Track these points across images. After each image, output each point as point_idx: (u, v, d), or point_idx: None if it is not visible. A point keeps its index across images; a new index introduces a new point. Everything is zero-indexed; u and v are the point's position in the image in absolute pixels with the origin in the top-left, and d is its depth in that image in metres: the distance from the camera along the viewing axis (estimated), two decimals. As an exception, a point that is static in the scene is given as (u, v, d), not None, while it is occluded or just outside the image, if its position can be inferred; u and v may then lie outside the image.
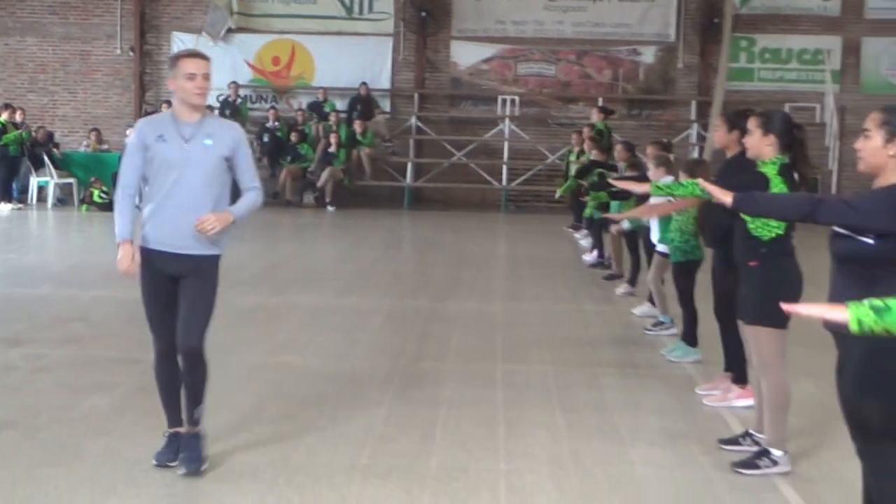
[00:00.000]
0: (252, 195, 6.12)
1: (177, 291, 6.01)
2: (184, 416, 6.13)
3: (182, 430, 6.12)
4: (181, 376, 6.09)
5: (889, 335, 3.03)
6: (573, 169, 17.98)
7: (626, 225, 12.41)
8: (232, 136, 6.07)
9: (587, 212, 15.67)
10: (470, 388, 8.33)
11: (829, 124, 24.44)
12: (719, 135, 7.88)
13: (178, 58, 5.99)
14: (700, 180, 6.01)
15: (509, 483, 6.11)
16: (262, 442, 6.75)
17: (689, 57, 25.62)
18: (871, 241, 4.59)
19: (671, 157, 10.72)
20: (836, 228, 4.77)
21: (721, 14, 24.63)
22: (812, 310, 3.15)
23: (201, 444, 6.11)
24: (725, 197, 5.24)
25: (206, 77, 5.92)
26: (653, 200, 9.90)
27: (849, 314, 3.05)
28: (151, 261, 5.99)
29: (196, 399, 6.08)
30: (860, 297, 4.30)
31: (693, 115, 25.58)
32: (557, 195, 17.44)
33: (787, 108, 20.98)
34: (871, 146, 4.72)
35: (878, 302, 3.02)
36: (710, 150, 20.96)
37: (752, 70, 25.58)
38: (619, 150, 13.72)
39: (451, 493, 5.91)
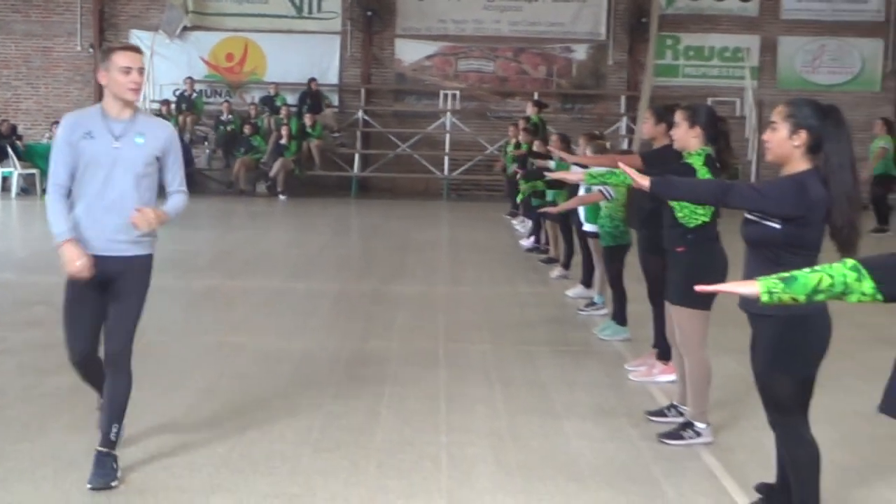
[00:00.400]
0: (182, 197, 5.63)
1: (104, 297, 5.45)
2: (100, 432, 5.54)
3: (97, 447, 5.48)
4: (104, 388, 5.52)
5: (796, 303, 3.08)
6: (510, 160, 18.04)
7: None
8: (165, 136, 5.53)
9: (520, 196, 15.67)
10: (413, 366, 8.33)
11: (748, 117, 24.66)
12: (647, 127, 7.90)
13: (111, 50, 5.39)
14: (621, 163, 6.02)
15: (450, 455, 6.11)
16: (217, 418, 6.71)
17: (619, 54, 25.76)
18: (777, 225, 4.67)
19: (607, 144, 10.75)
20: (747, 215, 4.84)
21: (648, 14, 24.78)
22: (726, 287, 3.19)
23: (115, 463, 5.48)
24: (643, 181, 5.26)
25: (141, 72, 5.37)
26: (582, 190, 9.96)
27: (759, 286, 3.09)
28: None
29: (115, 415, 5.47)
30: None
31: (622, 109, 25.74)
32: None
33: (709, 102, 21.08)
34: (778, 138, 4.79)
35: (785, 274, 3.07)
36: (639, 141, 21.09)
37: (677, 66, 25.75)
38: (554, 142, 13.74)
39: (396, 464, 5.91)
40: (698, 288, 3.30)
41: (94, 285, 5.39)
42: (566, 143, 13.33)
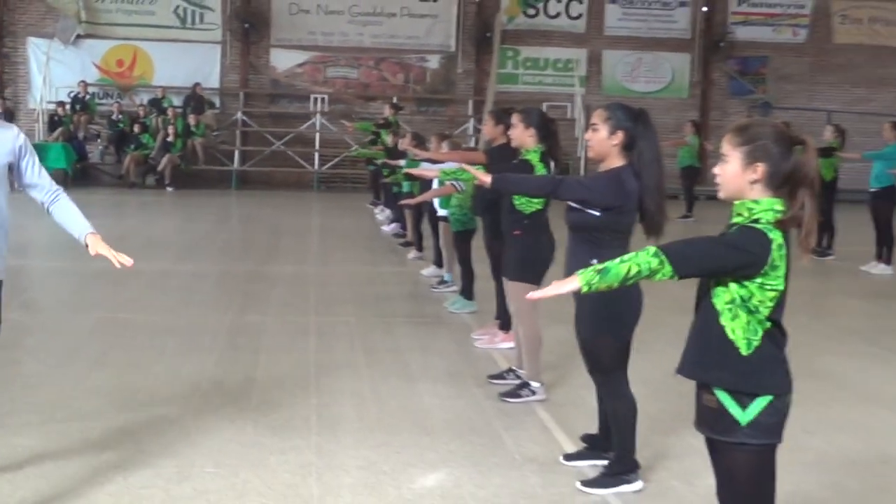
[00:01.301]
0: (67, 200, 4.68)
1: None
2: None
3: None
4: None
5: (610, 289, 3.23)
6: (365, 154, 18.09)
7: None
8: (12, 139, 4.39)
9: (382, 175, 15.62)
10: (286, 336, 8.27)
11: (577, 119, 24.99)
12: (488, 128, 7.94)
13: None
14: (465, 165, 6.09)
15: (319, 415, 6.09)
16: (107, 387, 6.55)
17: (467, 64, 25.86)
18: (597, 213, 4.77)
19: (462, 144, 10.80)
20: (570, 203, 4.93)
21: (492, 29, 24.96)
22: (552, 290, 3.26)
23: None
24: (486, 178, 5.31)
25: None
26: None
27: (579, 279, 3.19)
28: None
29: None
30: (589, 256, 4.50)
31: (470, 112, 25.84)
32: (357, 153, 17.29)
33: (545, 106, 21.38)
34: (598, 137, 4.87)
35: (599, 266, 3.19)
36: (483, 140, 21.24)
37: (517, 75, 25.97)
38: (408, 140, 13.75)
39: (270, 423, 5.86)
40: (529, 296, 3.33)
41: None
42: (420, 141, 13.35)
